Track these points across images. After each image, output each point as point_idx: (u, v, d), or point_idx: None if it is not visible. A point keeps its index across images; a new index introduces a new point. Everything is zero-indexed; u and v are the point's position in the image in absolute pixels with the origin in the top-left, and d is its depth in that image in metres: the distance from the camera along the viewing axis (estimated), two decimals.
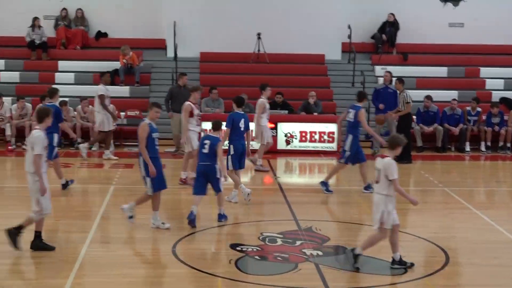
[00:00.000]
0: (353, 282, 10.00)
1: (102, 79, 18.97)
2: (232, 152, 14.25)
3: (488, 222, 13.20)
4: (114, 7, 24.70)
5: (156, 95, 21.54)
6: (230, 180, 13.50)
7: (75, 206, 14.29)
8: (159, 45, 24.65)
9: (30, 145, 10.71)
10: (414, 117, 20.63)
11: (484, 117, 21.66)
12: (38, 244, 10.93)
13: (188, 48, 23.93)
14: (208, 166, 12.54)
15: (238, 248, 11.25)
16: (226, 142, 14.33)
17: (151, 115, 12.05)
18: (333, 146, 20.51)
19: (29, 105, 20.80)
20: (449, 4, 25.71)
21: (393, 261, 10.40)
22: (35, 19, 23.79)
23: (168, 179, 16.25)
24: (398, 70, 21.23)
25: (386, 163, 9.99)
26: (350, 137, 15.20)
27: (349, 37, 24.13)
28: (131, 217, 12.25)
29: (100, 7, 24.74)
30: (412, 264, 10.38)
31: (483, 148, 21.33)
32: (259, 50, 23.74)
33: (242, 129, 14.38)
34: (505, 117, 21.64)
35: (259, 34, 23.57)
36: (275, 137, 20.24)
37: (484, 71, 24.47)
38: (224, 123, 13.69)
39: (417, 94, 21.15)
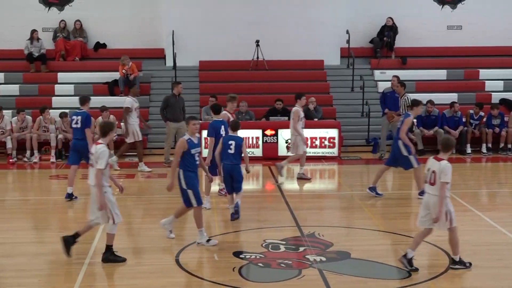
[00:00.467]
0: (357, 287, 9.98)
1: (131, 91, 18.82)
2: (212, 158, 14.25)
3: (491, 224, 13.20)
4: (112, 18, 24.72)
5: (156, 105, 21.53)
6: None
7: (77, 218, 14.27)
8: (158, 55, 24.68)
9: (94, 159, 10.77)
10: (415, 120, 20.63)
11: (484, 119, 21.67)
12: (109, 257, 10.98)
13: (187, 57, 23.96)
14: (235, 165, 13.29)
15: (241, 256, 11.25)
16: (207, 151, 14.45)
17: (190, 130, 11.69)
18: (334, 152, 20.51)
19: (29, 118, 20.83)
20: (447, 7, 25.73)
21: (454, 262, 10.68)
22: (33, 31, 23.82)
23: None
24: (397, 74, 21.21)
25: (443, 166, 10.19)
26: (400, 143, 15.09)
27: (348, 42, 24.16)
28: (208, 240, 11.85)
29: (98, 18, 24.74)
30: (470, 264, 10.68)
31: (484, 150, 21.34)
32: (258, 58, 23.77)
33: (223, 135, 14.22)
34: (506, 119, 21.67)
35: (257, 42, 23.60)
36: (275, 144, 20.28)
37: (484, 73, 24.47)
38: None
39: (417, 98, 21.00)
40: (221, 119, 14.38)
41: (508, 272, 10.64)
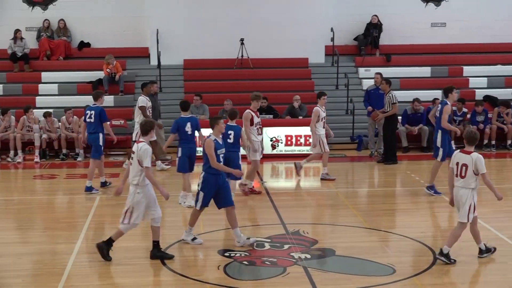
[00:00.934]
0: (342, 284, 9.99)
1: (144, 90, 18.78)
2: (179, 155, 14.41)
3: None
4: (96, 17, 24.64)
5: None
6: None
7: (61, 218, 14.23)
8: (142, 54, 24.64)
9: (137, 158, 10.72)
10: (399, 117, 20.70)
11: (468, 116, 21.75)
12: (156, 254, 10.98)
13: (172, 56, 23.94)
14: (234, 153, 13.68)
15: (226, 254, 11.24)
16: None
17: (217, 129, 11.54)
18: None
19: (12, 118, 20.72)
20: (431, 4, 25.82)
21: (481, 251, 10.91)
22: (17, 31, 23.71)
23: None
24: (381, 71, 21.25)
25: (476, 158, 10.48)
26: (439, 133, 15.07)
27: (332, 40, 24.21)
28: (194, 239, 11.78)
29: (82, 17, 24.66)
30: (495, 249, 11.03)
31: None
32: (242, 56, 23.76)
33: (189, 133, 14.44)
34: (489, 115, 21.75)
35: (242, 40, 23.58)
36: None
37: (467, 70, 24.58)
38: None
39: (402, 95, 21.19)
40: (189, 116, 14.64)
41: (492, 267, 10.69)
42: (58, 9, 24.72)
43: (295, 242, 11.72)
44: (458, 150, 10.84)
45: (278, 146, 20.53)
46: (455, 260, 10.66)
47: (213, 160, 11.27)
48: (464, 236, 12.19)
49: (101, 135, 15.92)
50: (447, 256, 10.66)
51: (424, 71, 24.52)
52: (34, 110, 20.93)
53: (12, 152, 20.35)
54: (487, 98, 23.04)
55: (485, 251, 10.89)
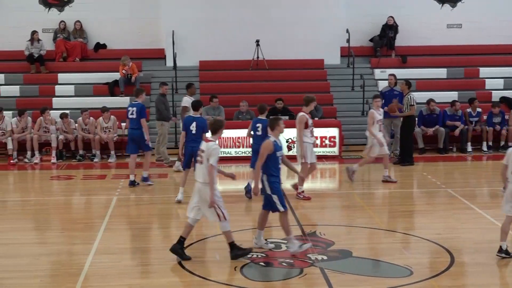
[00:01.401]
0: (359, 285, 9.97)
1: (188, 91, 18.81)
2: (183, 153, 14.94)
3: (492, 222, 13.18)
4: (112, 18, 24.71)
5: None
6: None
7: (78, 218, 14.28)
8: (158, 55, 24.67)
9: (206, 156, 10.78)
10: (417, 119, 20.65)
11: (485, 117, 21.68)
12: (237, 253, 11.00)
13: (187, 57, 23.96)
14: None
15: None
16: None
17: (278, 130, 11.42)
18: (334, 151, 20.53)
19: (29, 119, 20.82)
20: (447, 6, 25.72)
21: (501, 250, 10.88)
22: (34, 32, 23.80)
23: (169, 190, 16.34)
24: (397, 73, 21.20)
25: None
26: None
27: (348, 41, 24.17)
28: (266, 243, 11.62)
29: (98, 18, 24.74)
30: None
31: (484, 148, 21.34)
32: (258, 57, 23.76)
33: (193, 132, 14.64)
34: (506, 117, 21.67)
35: (257, 41, 23.58)
36: None
37: (484, 71, 24.46)
38: None
39: (417, 96, 20.99)
40: (198, 116, 14.98)
41: (509, 270, 10.62)
42: (74, 10, 24.78)
43: (312, 243, 11.66)
44: None
45: (294, 147, 20.49)
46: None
47: (261, 161, 11.09)
48: (480, 238, 12.21)
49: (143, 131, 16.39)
50: (506, 252, 10.78)
51: (440, 73, 24.42)
52: (51, 111, 21.02)
53: (29, 153, 20.45)
54: (504, 99, 22.92)
55: (504, 252, 10.83)
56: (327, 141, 20.56)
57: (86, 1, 24.78)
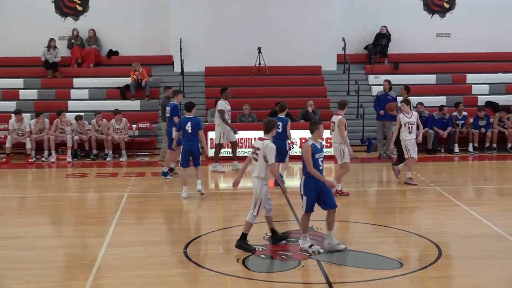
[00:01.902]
0: (353, 276, 10.01)
1: (223, 95, 18.70)
2: (181, 151, 15.19)
3: (477, 218, 13.21)
4: (124, 27, 24.75)
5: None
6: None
7: (91, 213, 14.33)
8: (167, 61, 24.69)
9: (262, 154, 10.97)
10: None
11: (471, 120, 21.71)
12: (243, 245, 11.09)
13: (194, 63, 23.98)
14: (281, 141, 15.33)
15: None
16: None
17: (317, 134, 11.16)
18: (331, 151, 20.44)
19: (46, 120, 20.87)
20: (436, 16, 25.73)
21: None
22: (51, 40, 23.83)
23: (177, 187, 16.34)
24: (390, 79, 21.23)
25: None
26: None
27: (344, 49, 24.20)
28: (311, 245, 11.21)
29: (111, 27, 24.77)
30: None
31: (470, 149, 21.36)
32: (259, 64, 23.79)
33: (189, 131, 14.92)
34: (491, 120, 21.70)
35: (259, 49, 23.61)
36: None
37: (470, 78, 24.47)
38: None
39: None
40: (192, 116, 15.16)
41: (492, 262, 10.65)
42: (88, 20, 24.80)
43: (309, 237, 11.68)
44: None
45: (293, 148, 20.52)
46: None
47: (309, 164, 10.87)
48: (466, 232, 12.24)
49: (173, 128, 16.40)
50: None
51: (430, 79, 24.42)
52: (67, 114, 21.06)
53: (46, 153, 20.49)
54: (489, 104, 22.94)
55: None
56: (323, 142, 20.49)
57: (100, 12, 24.81)
